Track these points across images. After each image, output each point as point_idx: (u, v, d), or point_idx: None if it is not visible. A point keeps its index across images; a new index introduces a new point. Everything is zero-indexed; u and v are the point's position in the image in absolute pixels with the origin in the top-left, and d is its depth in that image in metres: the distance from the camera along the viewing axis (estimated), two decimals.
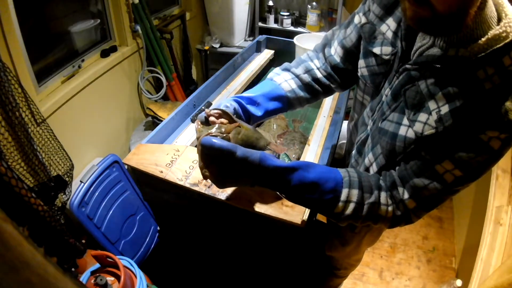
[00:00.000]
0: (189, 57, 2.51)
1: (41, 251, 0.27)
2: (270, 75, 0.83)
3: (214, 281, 1.43)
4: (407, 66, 0.62)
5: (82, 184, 1.23)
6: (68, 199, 1.18)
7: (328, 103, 1.43)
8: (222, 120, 0.60)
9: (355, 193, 0.62)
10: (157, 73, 2.06)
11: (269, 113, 0.77)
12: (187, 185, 0.92)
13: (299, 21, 2.65)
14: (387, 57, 0.68)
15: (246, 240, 1.06)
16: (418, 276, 1.76)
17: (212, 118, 0.61)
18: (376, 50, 0.69)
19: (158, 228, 1.52)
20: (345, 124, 1.39)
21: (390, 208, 0.64)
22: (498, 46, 0.51)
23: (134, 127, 2.05)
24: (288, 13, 2.57)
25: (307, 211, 0.85)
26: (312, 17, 2.48)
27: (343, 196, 0.62)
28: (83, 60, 1.63)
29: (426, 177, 0.60)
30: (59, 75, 1.50)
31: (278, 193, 0.65)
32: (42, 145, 1.16)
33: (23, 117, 1.09)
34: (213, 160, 0.55)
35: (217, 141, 0.53)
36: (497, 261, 1.12)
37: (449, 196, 0.62)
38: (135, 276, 1.10)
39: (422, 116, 0.59)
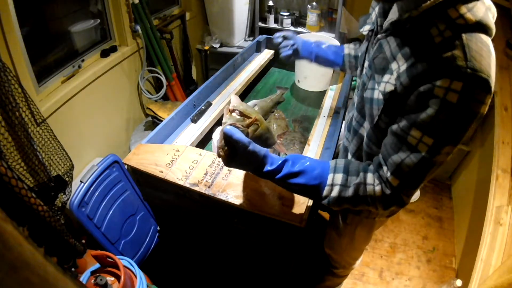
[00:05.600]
0: (189, 57, 2.51)
1: (41, 251, 0.27)
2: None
3: (214, 281, 1.43)
4: (378, 36, 0.70)
5: (82, 184, 1.23)
6: (68, 199, 1.18)
7: (328, 103, 1.43)
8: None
9: (339, 176, 0.68)
10: (157, 73, 2.06)
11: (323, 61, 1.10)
12: (187, 185, 0.92)
13: (299, 21, 2.65)
14: (365, 33, 0.79)
15: (246, 240, 1.06)
16: (418, 276, 1.76)
17: (234, 113, 0.73)
18: (362, 29, 0.82)
19: (158, 228, 1.52)
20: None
21: (378, 188, 0.66)
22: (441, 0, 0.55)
23: (134, 127, 2.05)
24: (288, 13, 2.57)
25: (307, 211, 0.85)
26: (312, 17, 2.48)
27: (328, 181, 0.69)
28: (83, 60, 1.63)
29: (403, 151, 0.62)
30: (59, 75, 1.50)
31: (272, 182, 0.73)
32: (42, 145, 1.16)
33: (23, 117, 1.09)
34: (229, 145, 0.67)
35: (236, 133, 0.65)
36: (497, 261, 1.12)
37: (432, 169, 0.62)
38: (135, 276, 1.10)
39: (386, 77, 0.65)
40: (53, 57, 1.51)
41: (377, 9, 0.75)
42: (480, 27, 0.55)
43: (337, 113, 1.33)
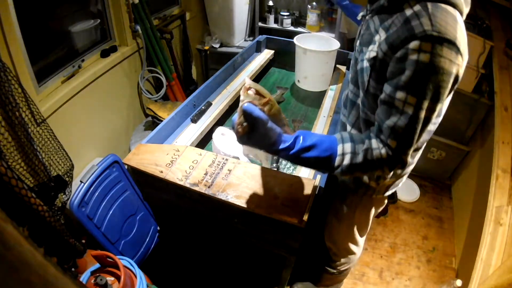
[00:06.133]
0: (189, 57, 2.51)
1: (41, 251, 0.27)
2: None
3: (214, 281, 1.43)
4: (367, 17, 0.82)
5: (82, 184, 1.23)
6: (68, 199, 1.17)
7: (328, 103, 1.43)
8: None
9: (348, 145, 0.74)
10: (157, 73, 2.06)
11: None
12: (187, 185, 0.92)
13: (299, 21, 2.65)
14: (359, 18, 0.89)
15: (246, 240, 1.06)
16: (418, 276, 1.76)
17: (250, 92, 0.78)
18: (358, 16, 0.92)
19: (158, 228, 1.52)
20: None
21: (383, 151, 0.72)
22: None
23: (134, 127, 2.05)
24: (288, 13, 2.57)
25: (307, 211, 0.85)
26: (312, 17, 2.48)
27: (339, 151, 0.74)
28: (83, 60, 1.63)
29: (394, 115, 0.70)
30: (59, 75, 1.50)
31: (288, 160, 0.78)
32: (42, 145, 1.16)
33: (23, 117, 1.09)
34: (249, 121, 0.70)
35: (256, 110, 0.69)
36: (497, 261, 1.12)
37: (423, 127, 0.69)
38: (135, 276, 1.10)
39: (370, 47, 0.76)
40: (53, 57, 1.51)
41: None
42: (446, 1, 0.66)
43: (337, 113, 1.33)
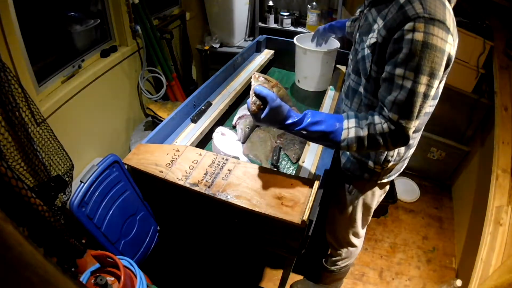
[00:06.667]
0: (189, 57, 2.51)
1: (41, 251, 0.27)
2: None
3: (214, 280, 1.43)
4: (364, 11, 0.91)
5: (82, 184, 1.23)
6: (68, 199, 1.17)
7: (328, 103, 1.43)
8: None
9: (352, 120, 0.81)
10: (157, 73, 2.06)
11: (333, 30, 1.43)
12: (187, 185, 0.92)
13: (299, 21, 2.65)
14: (357, 14, 0.99)
15: (246, 239, 1.06)
16: (418, 276, 1.76)
17: (260, 78, 0.88)
18: (356, 13, 1.03)
19: (158, 228, 1.52)
20: None
21: (385, 125, 0.78)
22: None
23: (134, 127, 2.05)
24: (288, 13, 2.57)
25: (307, 211, 0.85)
26: (312, 17, 2.48)
27: (344, 125, 0.81)
28: (83, 60, 1.63)
29: (394, 90, 0.76)
30: (59, 75, 1.50)
31: (297, 135, 0.86)
32: (42, 145, 1.16)
33: (23, 117, 1.09)
34: (260, 98, 0.79)
35: (265, 89, 0.79)
36: (497, 261, 1.12)
37: (421, 101, 0.75)
38: (135, 276, 1.10)
39: (370, 35, 0.84)
40: (53, 57, 1.51)
41: None
42: None
43: (337, 113, 1.33)
